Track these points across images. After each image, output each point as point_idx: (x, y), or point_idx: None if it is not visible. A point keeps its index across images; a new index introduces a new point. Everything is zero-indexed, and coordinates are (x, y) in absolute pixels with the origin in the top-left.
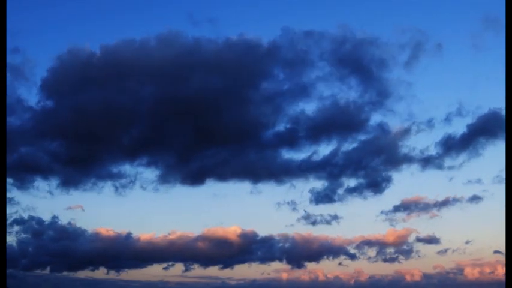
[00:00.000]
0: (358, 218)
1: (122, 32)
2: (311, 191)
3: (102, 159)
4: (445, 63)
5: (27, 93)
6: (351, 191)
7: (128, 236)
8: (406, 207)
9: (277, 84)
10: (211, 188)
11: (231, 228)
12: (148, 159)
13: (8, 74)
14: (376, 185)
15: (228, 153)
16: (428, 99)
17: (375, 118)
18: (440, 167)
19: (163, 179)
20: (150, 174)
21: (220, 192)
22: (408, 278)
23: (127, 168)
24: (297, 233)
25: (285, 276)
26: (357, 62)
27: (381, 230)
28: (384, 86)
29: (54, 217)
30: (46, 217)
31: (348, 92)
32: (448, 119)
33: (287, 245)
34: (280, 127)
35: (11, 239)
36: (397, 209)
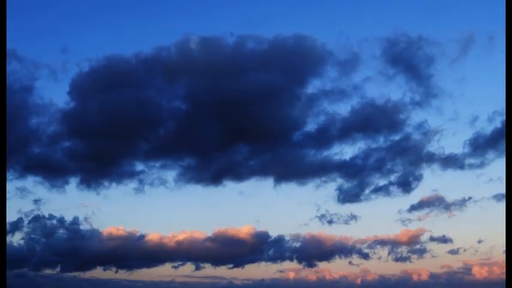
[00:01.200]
0: (377, 217)
1: (161, 35)
2: (338, 189)
3: (123, 159)
4: (496, 57)
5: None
6: (377, 190)
7: (140, 235)
8: (424, 206)
9: (324, 83)
10: (234, 187)
11: (244, 227)
12: (170, 159)
13: (45, 73)
14: (403, 185)
15: (254, 153)
16: (475, 97)
17: (417, 117)
18: (465, 166)
19: (182, 179)
20: (169, 173)
21: (245, 191)
22: (417, 277)
23: (146, 168)
24: (309, 233)
25: (291, 275)
26: (407, 62)
27: (396, 229)
28: (432, 84)
29: (68, 216)
30: (60, 216)
31: (395, 92)
32: (491, 118)
33: (300, 244)
34: (314, 126)
35: (23, 239)
36: (414, 208)
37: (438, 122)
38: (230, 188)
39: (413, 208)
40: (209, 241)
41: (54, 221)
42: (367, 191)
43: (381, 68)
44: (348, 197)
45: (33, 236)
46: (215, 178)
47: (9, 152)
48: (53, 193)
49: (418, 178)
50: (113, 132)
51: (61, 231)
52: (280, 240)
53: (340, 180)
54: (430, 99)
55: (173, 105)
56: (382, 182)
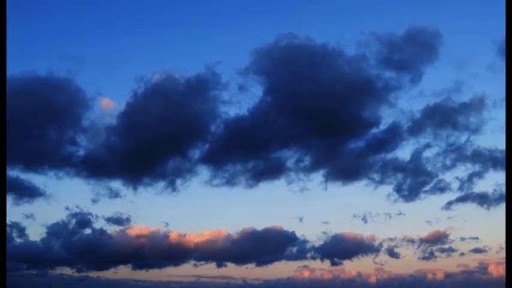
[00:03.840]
0: (416, 216)
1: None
2: (395, 187)
3: (172, 159)
4: None
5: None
6: (430, 190)
7: (164, 233)
8: (461, 205)
9: (428, 80)
10: (279, 186)
11: (272, 226)
12: (224, 158)
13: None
14: (459, 185)
15: (309, 151)
16: None
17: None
18: None
19: (223, 176)
20: (213, 172)
21: (294, 189)
22: (431, 276)
23: (184, 168)
24: (338, 232)
25: (307, 273)
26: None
27: (427, 228)
28: None
29: (92, 213)
30: (82, 213)
31: (494, 88)
32: None
33: (325, 242)
34: (384, 127)
35: (41, 238)
36: (450, 207)
37: None
38: (272, 188)
39: (449, 207)
40: (233, 240)
41: (74, 220)
42: (420, 191)
43: (489, 63)
44: (402, 196)
45: (52, 235)
46: (256, 177)
47: (66, 151)
48: (100, 192)
49: (481, 178)
50: (167, 133)
51: (83, 230)
52: (306, 240)
53: (398, 179)
54: None
55: (238, 107)
56: (438, 183)
